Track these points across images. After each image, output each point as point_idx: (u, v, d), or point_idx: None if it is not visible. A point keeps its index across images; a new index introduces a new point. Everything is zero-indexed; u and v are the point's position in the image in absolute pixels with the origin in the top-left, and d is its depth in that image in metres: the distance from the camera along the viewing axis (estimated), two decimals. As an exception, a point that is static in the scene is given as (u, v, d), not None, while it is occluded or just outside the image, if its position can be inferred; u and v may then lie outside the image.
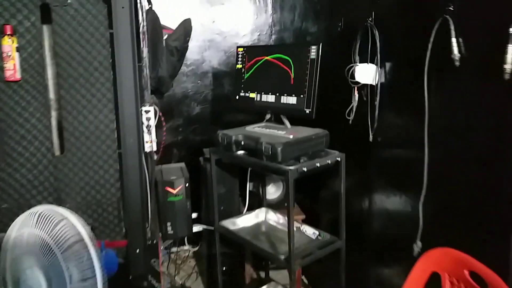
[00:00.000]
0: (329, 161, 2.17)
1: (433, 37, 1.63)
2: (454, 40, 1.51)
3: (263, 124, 2.47)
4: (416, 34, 1.79)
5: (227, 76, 3.26)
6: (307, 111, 2.17)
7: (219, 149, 2.37)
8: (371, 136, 2.14)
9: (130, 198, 2.29)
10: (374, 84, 2.08)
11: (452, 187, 1.65)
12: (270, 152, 2.03)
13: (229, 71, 3.22)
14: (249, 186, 2.84)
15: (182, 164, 2.94)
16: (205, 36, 3.20)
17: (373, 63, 2.07)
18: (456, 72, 1.54)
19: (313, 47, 2.16)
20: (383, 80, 2.05)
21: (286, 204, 2.73)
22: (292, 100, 2.25)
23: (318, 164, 2.11)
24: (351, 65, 2.16)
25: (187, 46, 2.91)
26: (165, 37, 2.76)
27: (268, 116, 2.48)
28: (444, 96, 1.65)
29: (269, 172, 2.40)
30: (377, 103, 2.06)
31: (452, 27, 1.52)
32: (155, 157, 2.65)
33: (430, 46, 1.65)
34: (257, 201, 2.84)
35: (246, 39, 3.27)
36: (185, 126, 3.27)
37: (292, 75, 2.25)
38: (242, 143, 2.24)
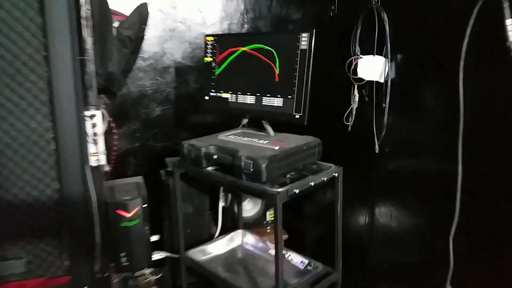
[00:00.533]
0: (325, 178, 1.88)
1: (474, 19, 1.36)
2: (509, 22, 1.25)
3: (239, 130, 2.21)
4: (446, 16, 1.56)
5: (192, 72, 2.98)
6: (297, 116, 1.90)
7: (184, 163, 2.06)
8: (377, 146, 1.92)
9: (73, 224, 2.07)
10: (381, 81, 1.83)
11: (496, 215, 1.43)
12: (251, 170, 1.72)
13: (195, 65, 2.96)
14: (221, 202, 2.57)
15: (139, 179, 2.63)
16: (166, 24, 2.89)
17: (380, 55, 1.81)
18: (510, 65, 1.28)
19: (304, 35, 1.87)
20: (393, 76, 1.82)
21: (265, 223, 2.65)
22: (278, 102, 1.97)
23: (312, 183, 1.80)
24: (353, 57, 1.92)
25: (143, 35, 2.67)
26: (115, 24, 2.48)
27: (245, 121, 2.24)
28: (490, 96, 1.44)
29: (251, 194, 2.13)
30: (386, 105, 1.82)
31: (506, 5, 1.25)
32: (107, 168, 2.35)
33: (468, 31, 1.38)
34: (232, 220, 2.59)
35: (215, 29, 2.99)
36: (143, 131, 2.95)
37: (277, 71, 1.96)
38: (215, 157, 1.93)
